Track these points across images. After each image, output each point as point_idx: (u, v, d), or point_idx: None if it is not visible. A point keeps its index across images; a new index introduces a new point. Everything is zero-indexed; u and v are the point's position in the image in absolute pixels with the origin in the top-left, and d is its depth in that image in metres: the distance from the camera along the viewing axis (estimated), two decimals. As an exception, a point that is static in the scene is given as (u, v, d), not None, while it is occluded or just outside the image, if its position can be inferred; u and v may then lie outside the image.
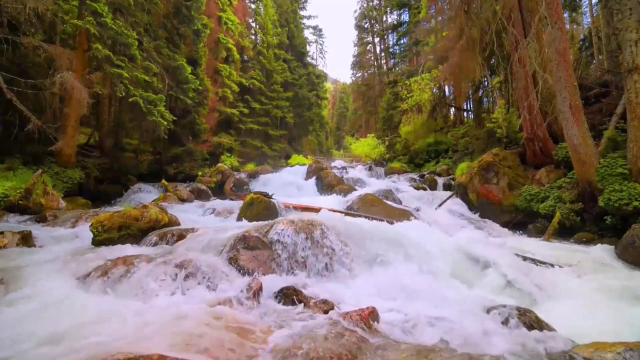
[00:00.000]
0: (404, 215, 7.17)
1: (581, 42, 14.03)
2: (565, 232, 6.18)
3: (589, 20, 16.15)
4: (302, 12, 37.78)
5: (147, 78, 11.24)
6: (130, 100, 10.62)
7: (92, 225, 4.84)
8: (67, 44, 10.61)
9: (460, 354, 1.93)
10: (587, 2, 16.31)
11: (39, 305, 2.68)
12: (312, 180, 12.74)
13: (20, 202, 7.11)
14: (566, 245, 5.53)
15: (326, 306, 2.74)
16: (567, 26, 15.74)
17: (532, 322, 2.43)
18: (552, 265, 4.16)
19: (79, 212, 6.99)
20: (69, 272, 3.35)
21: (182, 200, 10.02)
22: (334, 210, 7.17)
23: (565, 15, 14.93)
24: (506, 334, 2.32)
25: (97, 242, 4.69)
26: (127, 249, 4.29)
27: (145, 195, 11.03)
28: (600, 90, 8.75)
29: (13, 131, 8.68)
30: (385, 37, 33.82)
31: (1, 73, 8.05)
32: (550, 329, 2.44)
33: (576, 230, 6.14)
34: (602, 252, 4.80)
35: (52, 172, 9.21)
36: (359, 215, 6.33)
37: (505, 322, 2.47)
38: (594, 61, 12.59)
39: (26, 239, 4.70)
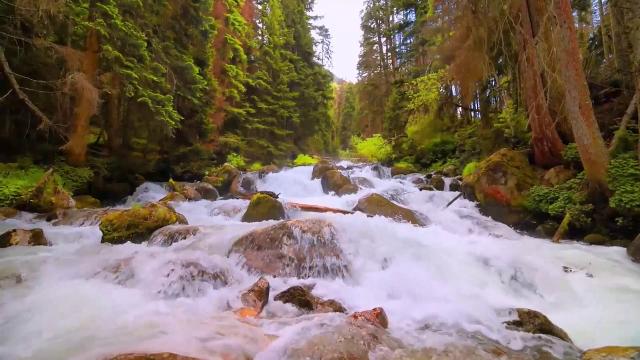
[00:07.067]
0: (411, 216, 7.14)
1: (591, 41, 13.80)
2: (575, 234, 6.08)
3: (599, 19, 15.88)
4: (308, 13, 37.88)
5: (155, 79, 11.36)
6: (139, 100, 10.76)
7: (102, 224, 4.93)
8: (78, 45, 10.76)
9: (467, 356, 1.92)
10: (596, 1, 16.03)
11: (48, 302, 2.73)
12: (319, 180, 12.72)
13: (31, 200, 7.23)
14: (577, 247, 5.44)
15: (334, 307, 2.75)
16: (577, 25, 15.51)
17: (543, 326, 2.40)
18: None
19: (88, 210, 7.10)
20: (79, 270, 3.40)
21: (190, 199, 10.10)
22: (338, 211, 7.18)
23: (575, 14, 14.70)
24: (515, 336, 2.30)
25: (106, 241, 4.77)
26: (136, 248, 4.34)
27: (153, 194, 11.15)
28: (611, 90, 8.59)
29: (25, 131, 8.86)
30: (392, 37, 33.68)
31: (14, 74, 8.22)
32: (561, 332, 2.41)
33: (587, 232, 6.03)
34: (614, 254, 4.72)
35: (62, 171, 9.35)
36: (370, 216, 6.31)
37: (514, 325, 2.45)
38: (604, 60, 12.37)
39: (37, 237, 4.79)
